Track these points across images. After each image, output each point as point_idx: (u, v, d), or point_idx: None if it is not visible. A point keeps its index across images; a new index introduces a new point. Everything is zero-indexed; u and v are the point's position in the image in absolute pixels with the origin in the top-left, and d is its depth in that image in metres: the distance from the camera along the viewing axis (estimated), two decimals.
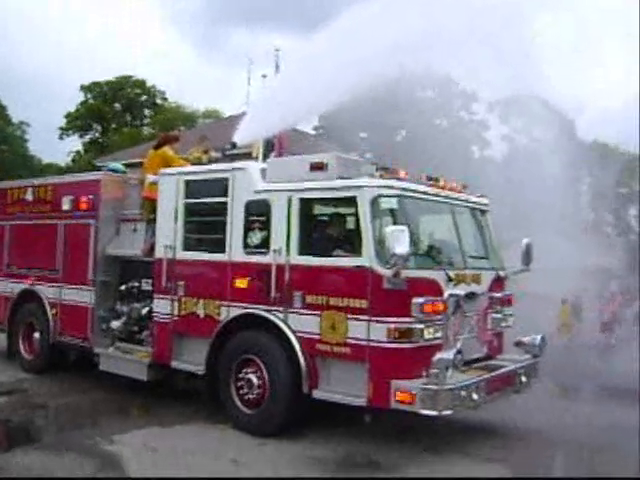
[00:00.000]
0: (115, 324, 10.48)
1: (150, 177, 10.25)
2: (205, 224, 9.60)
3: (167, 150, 10.72)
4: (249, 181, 8.80)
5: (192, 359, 9.16)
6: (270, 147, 15.63)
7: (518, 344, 9.16)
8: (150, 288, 10.02)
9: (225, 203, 8.99)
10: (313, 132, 42.01)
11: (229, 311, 8.77)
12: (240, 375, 8.55)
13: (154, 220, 9.94)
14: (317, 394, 7.94)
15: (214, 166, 9.97)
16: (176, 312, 9.38)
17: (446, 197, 8.73)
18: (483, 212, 9.55)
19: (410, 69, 10.72)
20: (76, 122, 62.26)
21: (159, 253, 9.64)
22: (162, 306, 9.55)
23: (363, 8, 10.01)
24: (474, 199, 9.36)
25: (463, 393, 7.42)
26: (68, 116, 61.90)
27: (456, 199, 8.93)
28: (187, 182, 9.49)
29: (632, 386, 12.19)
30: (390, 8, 9.65)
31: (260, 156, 14.05)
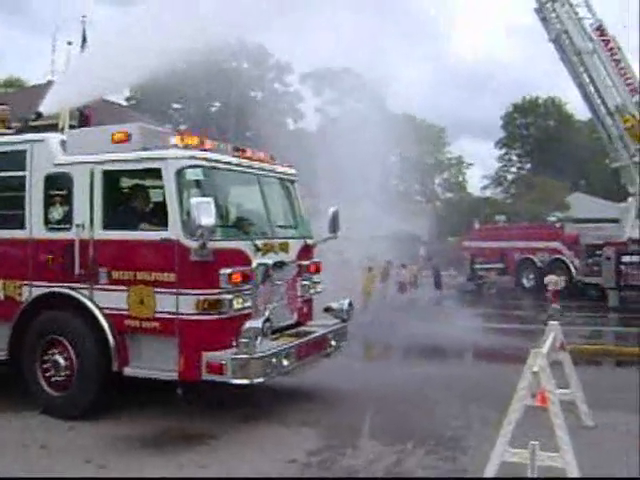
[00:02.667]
0: None
1: None
2: (2, 200, 9.03)
3: None
4: (48, 153, 8.38)
5: None
6: (83, 119, 14.97)
7: (327, 310, 9.44)
8: None
9: (23, 177, 8.51)
10: (125, 103, 40.66)
11: (31, 291, 8.35)
12: (46, 357, 8.18)
13: None
14: (128, 371, 7.79)
15: (11, 138, 9.38)
16: None
17: (253, 167, 8.76)
18: (292, 182, 9.69)
19: (224, 40, 10.64)
20: None
21: None
22: None
23: None
24: (282, 169, 9.46)
25: (274, 360, 7.54)
26: None
27: (263, 169, 8.98)
28: None
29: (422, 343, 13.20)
30: None
31: (66, 127, 13.44)
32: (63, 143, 8.47)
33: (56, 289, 8.18)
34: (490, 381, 9.98)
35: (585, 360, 11.79)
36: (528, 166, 69.27)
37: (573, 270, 25.98)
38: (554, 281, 19.42)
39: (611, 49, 23.99)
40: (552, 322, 7.94)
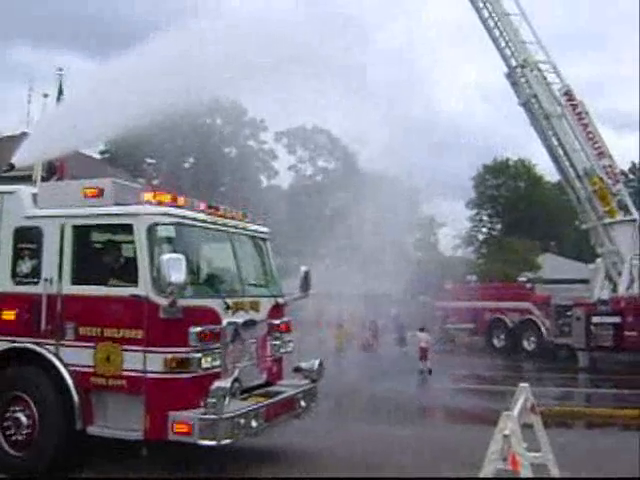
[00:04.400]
0: None
1: None
2: None
3: None
4: (19, 206, 8.32)
5: None
6: (52, 171, 14.91)
7: (297, 370, 9.35)
8: None
9: None
10: (99, 156, 40.71)
11: None
12: (7, 414, 7.94)
13: None
14: (92, 430, 7.60)
15: None
16: None
17: (225, 225, 8.74)
18: (263, 240, 9.69)
19: (198, 97, 10.75)
20: None
21: None
22: None
23: (156, 37, 9.94)
24: (254, 227, 9.46)
25: (242, 421, 7.41)
26: None
27: (236, 227, 8.97)
28: None
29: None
30: (181, 38, 9.66)
31: (38, 180, 13.36)
32: (34, 196, 8.41)
33: (21, 344, 8.00)
34: (460, 443, 9.88)
35: (556, 422, 11.74)
36: (499, 226, 70.00)
37: (544, 330, 26.14)
38: (424, 339, 19.71)
39: (579, 113, 24.66)
40: (522, 384, 7.90)
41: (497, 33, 25.39)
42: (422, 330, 21.21)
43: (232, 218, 8.96)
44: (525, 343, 26.80)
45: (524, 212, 62.13)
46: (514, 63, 25.38)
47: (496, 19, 25.18)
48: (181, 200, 8.00)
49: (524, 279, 31.60)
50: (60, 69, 17.34)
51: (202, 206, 8.42)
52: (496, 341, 28.19)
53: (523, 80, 25.25)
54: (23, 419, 7.84)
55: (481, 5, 25.21)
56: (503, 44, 25.44)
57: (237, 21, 10.43)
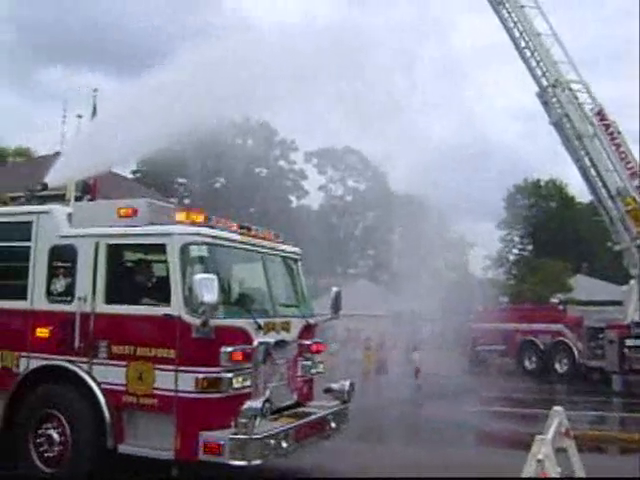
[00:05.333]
0: None
1: None
2: (6, 269, 9.03)
3: None
4: (54, 225, 8.43)
5: None
6: (85, 190, 15.13)
7: (327, 390, 9.30)
8: None
9: (28, 248, 8.53)
10: (131, 176, 41.17)
11: (29, 363, 8.25)
12: (40, 431, 8.01)
13: None
14: (123, 449, 7.62)
15: (17, 208, 9.47)
16: None
17: (257, 245, 8.79)
18: (295, 260, 9.71)
19: (230, 117, 10.85)
20: None
21: None
22: None
23: (187, 58, 10.06)
24: (286, 248, 9.49)
25: (272, 442, 7.37)
26: None
27: (267, 248, 9.01)
28: None
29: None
30: (212, 58, 9.76)
31: (72, 199, 13.57)
32: (69, 215, 8.52)
33: (54, 362, 8.08)
34: (493, 467, 9.73)
35: (589, 447, 11.53)
36: (530, 247, 69.44)
37: (576, 353, 25.75)
38: (417, 358, 19.74)
39: (611, 133, 24.41)
40: (556, 407, 7.77)
41: (528, 53, 25.31)
42: (415, 350, 21.92)
43: (264, 238, 9.00)
44: (557, 365, 26.43)
45: (556, 233, 61.56)
46: (545, 83, 25.24)
47: (527, 39, 25.12)
48: (214, 220, 8.06)
49: (556, 301, 31.22)
50: (95, 90, 17.64)
51: (234, 226, 8.48)
52: (527, 363, 27.81)
53: (554, 100, 25.10)
54: (55, 436, 7.90)
55: (512, 25, 25.17)
56: (534, 64, 25.34)
57: (266, 41, 10.54)
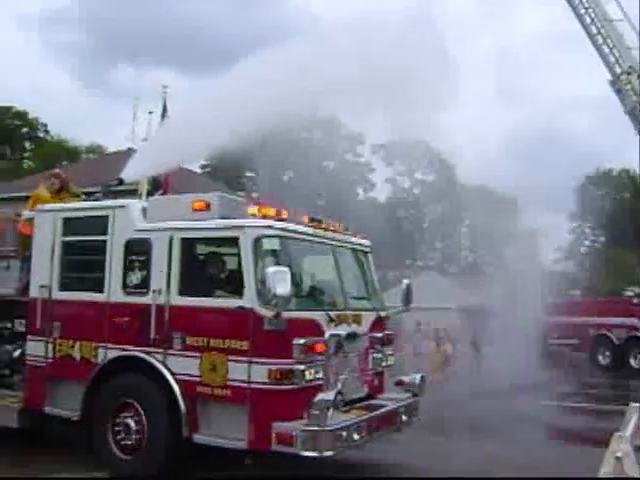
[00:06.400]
0: None
1: (25, 213, 9.87)
2: (83, 263, 9.29)
3: (41, 189, 10.42)
4: (130, 219, 8.61)
5: (67, 404, 8.75)
6: (157, 185, 15.42)
7: (398, 383, 9.29)
8: (24, 329, 9.54)
9: (105, 241, 8.74)
10: (200, 170, 41.79)
11: (106, 353, 8.47)
12: (117, 420, 8.23)
13: (29, 257, 9.55)
14: (197, 438, 7.76)
15: (94, 203, 9.72)
16: (51, 354, 8.97)
17: (328, 238, 8.82)
18: (365, 253, 9.71)
19: (297, 111, 10.88)
20: None
21: (34, 292, 9.23)
22: (36, 348, 9.11)
23: (256, 54, 10.13)
24: (356, 240, 9.50)
25: (344, 434, 7.40)
26: None
27: (338, 240, 9.03)
28: (65, 219, 9.18)
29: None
30: (281, 54, 9.81)
31: (144, 194, 13.85)
32: (144, 210, 8.69)
33: (131, 352, 8.28)
34: (568, 464, 9.54)
35: None
36: (602, 239, 67.81)
37: None
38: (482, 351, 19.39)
39: None
40: (634, 404, 7.56)
41: (600, 40, 24.67)
42: (480, 344, 22.50)
43: (334, 231, 9.02)
44: (632, 361, 25.73)
45: (629, 224, 59.86)
46: (619, 70, 24.55)
47: (599, 25, 24.48)
48: (285, 213, 8.12)
49: (631, 294, 30.36)
50: (164, 87, 17.87)
51: (305, 219, 8.52)
52: (601, 358, 27.15)
53: (628, 87, 24.39)
54: (132, 425, 8.10)
55: (583, 11, 24.56)
56: (607, 51, 24.69)
57: (334, 35, 10.52)
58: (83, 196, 10.94)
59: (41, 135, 62.38)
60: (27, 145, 62.75)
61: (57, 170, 11.56)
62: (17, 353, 9.65)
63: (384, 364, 9.27)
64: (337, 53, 9.80)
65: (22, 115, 60.80)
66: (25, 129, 61.90)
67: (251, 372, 7.39)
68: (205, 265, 8.51)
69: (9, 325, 9.97)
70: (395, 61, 10.16)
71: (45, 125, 62.16)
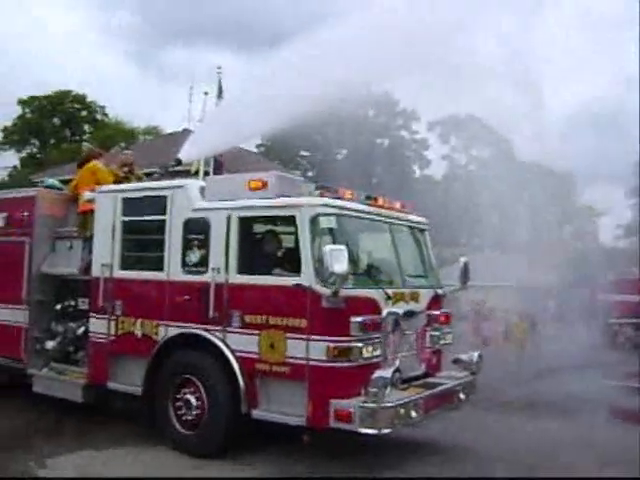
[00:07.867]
0: (50, 344, 10.19)
1: (86, 194, 10.07)
2: (143, 242, 9.46)
3: (97, 163, 10.60)
4: (188, 199, 8.71)
5: (129, 380, 8.98)
6: (215, 165, 15.56)
7: (456, 361, 9.24)
8: (87, 307, 9.79)
9: (164, 221, 8.88)
10: (255, 150, 41.97)
11: (167, 330, 8.63)
12: (178, 396, 8.42)
13: (91, 237, 9.75)
14: (256, 414, 7.87)
15: (153, 184, 9.87)
16: (113, 332, 9.20)
17: (385, 216, 8.80)
18: (422, 231, 9.65)
19: (353, 89, 10.82)
20: (13, 136, 60.64)
21: (96, 272, 9.45)
22: (99, 326, 9.36)
23: (308, 34, 10.10)
24: (413, 218, 9.44)
25: (402, 411, 7.43)
26: (4, 130, 60.30)
27: (395, 218, 9.00)
28: (125, 199, 9.34)
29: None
30: (333, 33, 9.76)
31: (201, 173, 14.00)
32: (202, 189, 8.79)
33: (191, 330, 8.42)
34: (626, 444, 9.37)
35: None
36: None
37: None
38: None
39: None
40: None
41: None
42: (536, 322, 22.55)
43: (391, 209, 8.98)
44: None
45: None
46: None
47: None
48: (342, 191, 8.12)
49: None
50: (219, 67, 17.94)
51: (362, 197, 8.50)
52: None
53: None
54: (193, 400, 8.27)
55: None
56: None
57: (390, 12, 10.40)
58: (145, 178, 11.12)
59: (99, 118, 63.29)
60: (86, 128, 63.73)
61: (130, 157, 11.66)
62: (81, 330, 9.92)
63: (442, 342, 9.23)
64: (393, 28, 9.70)
65: (80, 99, 61.72)
66: (84, 112, 62.86)
67: (309, 349, 7.44)
68: (263, 243, 8.57)
69: (73, 303, 10.24)
70: (450, 35, 10.01)
71: (103, 108, 63.05)
